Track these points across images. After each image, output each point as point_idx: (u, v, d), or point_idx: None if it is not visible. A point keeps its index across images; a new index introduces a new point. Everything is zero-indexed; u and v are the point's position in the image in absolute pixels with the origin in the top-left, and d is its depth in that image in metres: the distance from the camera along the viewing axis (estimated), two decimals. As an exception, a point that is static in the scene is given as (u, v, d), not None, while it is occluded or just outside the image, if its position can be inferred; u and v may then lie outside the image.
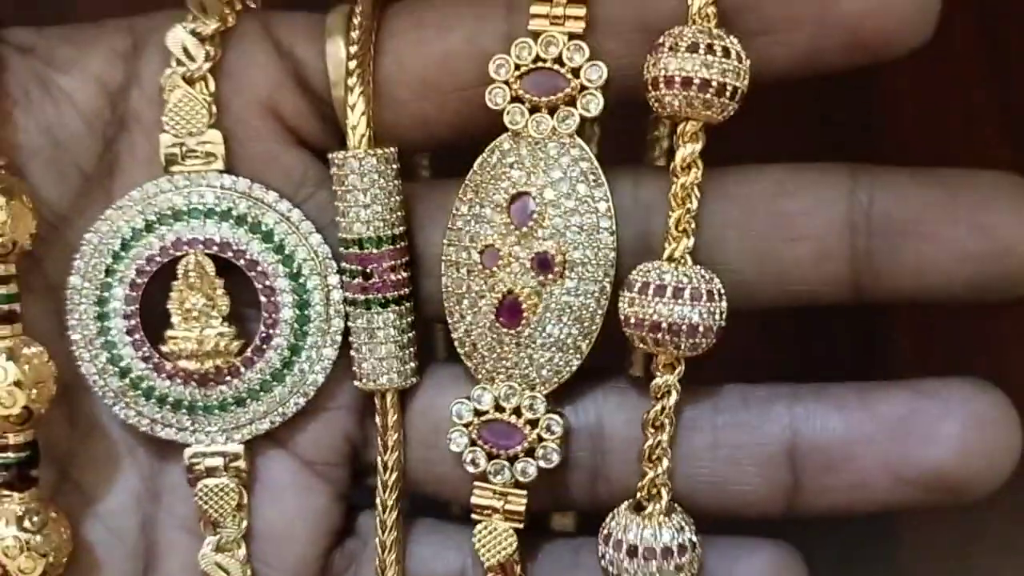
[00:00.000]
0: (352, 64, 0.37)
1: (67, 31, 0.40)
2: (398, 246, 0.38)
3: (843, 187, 0.36)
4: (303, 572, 0.40)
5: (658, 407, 0.36)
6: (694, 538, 0.36)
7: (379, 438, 0.39)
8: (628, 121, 0.38)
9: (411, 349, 0.39)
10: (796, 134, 0.43)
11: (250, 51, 0.39)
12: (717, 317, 0.34)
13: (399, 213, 0.38)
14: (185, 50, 0.38)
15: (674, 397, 0.36)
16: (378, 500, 0.39)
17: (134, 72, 0.39)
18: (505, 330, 0.37)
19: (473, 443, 0.37)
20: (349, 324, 0.39)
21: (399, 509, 0.39)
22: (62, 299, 0.39)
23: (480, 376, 0.37)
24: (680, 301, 0.34)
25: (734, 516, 0.37)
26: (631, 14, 0.36)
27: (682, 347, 0.34)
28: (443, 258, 0.37)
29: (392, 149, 0.38)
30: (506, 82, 0.36)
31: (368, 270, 0.38)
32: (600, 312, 0.36)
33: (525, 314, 0.36)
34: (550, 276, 0.36)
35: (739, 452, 0.37)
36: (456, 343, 0.38)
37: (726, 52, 0.34)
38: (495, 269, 0.36)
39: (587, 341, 0.36)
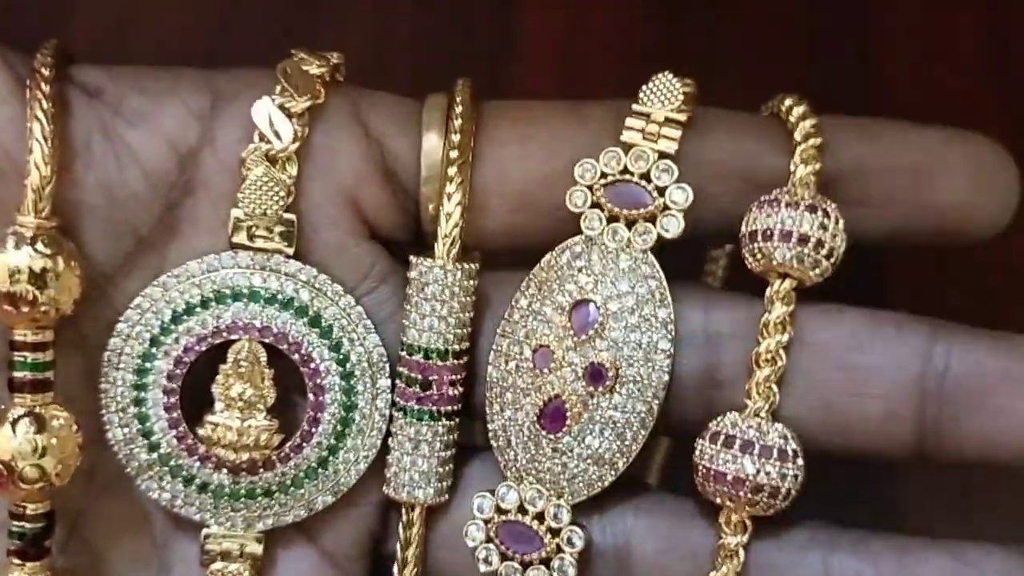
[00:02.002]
0: (452, 171, 0.36)
1: (141, 76, 0.37)
2: (461, 360, 0.37)
3: (919, 347, 0.35)
4: None
5: (724, 569, 0.35)
6: None
7: (399, 550, 0.38)
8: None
9: (450, 465, 0.38)
10: None
11: (337, 135, 0.37)
12: (797, 480, 0.34)
13: (468, 328, 0.37)
14: (271, 125, 0.36)
15: (740, 559, 0.35)
16: None
17: (209, 135, 0.37)
18: (544, 433, 0.36)
19: (489, 540, 0.36)
20: (393, 429, 0.37)
21: None
22: (94, 356, 0.37)
23: (509, 473, 0.37)
24: (765, 460, 0.34)
25: None
26: (740, 164, 0.36)
27: (758, 506, 0.34)
28: (494, 348, 0.37)
29: (476, 265, 0.37)
30: (589, 187, 0.36)
31: (428, 380, 0.36)
32: (643, 433, 0.36)
33: (568, 421, 0.36)
34: (600, 388, 0.35)
35: None
36: (491, 434, 0.37)
37: (827, 214, 0.34)
38: (546, 370, 0.36)
39: (624, 459, 0.36)
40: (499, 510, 0.36)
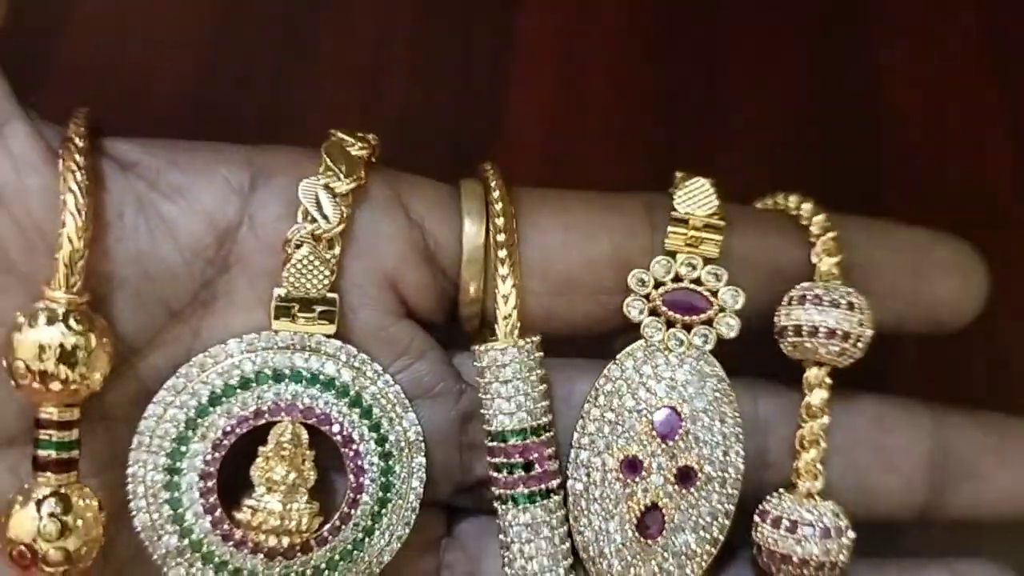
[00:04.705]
0: (503, 253, 0.37)
1: (177, 150, 0.36)
2: (552, 434, 0.37)
3: (927, 427, 0.41)
4: None
5: None
6: None
7: None
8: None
9: (568, 544, 0.38)
10: (798, 135, 0.45)
11: (380, 218, 0.37)
12: (849, 551, 0.38)
13: (548, 402, 0.38)
14: (318, 206, 0.36)
15: None
16: None
17: (248, 211, 0.36)
18: (640, 538, 0.38)
19: None
20: (502, 525, 0.37)
21: None
22: (116, 430, 0.36)
23: None
24: (825, 540, 0.37)
25: None
26: (766, 258, 0.39)
27: None
28: (571, 460, 0.38)
29: (537, 338, 0.38)
30: (646, 295, 0.38)
31: (530, 461, 0.37)
32: (727, 522, 0.38)
33: (665, 523, 0.38)
34: (692, 488, 0.38)
35: None
36: (579, 546, 0.38)
37: (861, 310, 0.38)
38: (637, 479, 0.38)
39: (714, 549, 0.38)
40: None
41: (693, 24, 0.53)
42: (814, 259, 0.39)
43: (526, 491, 0.37)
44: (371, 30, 0.53)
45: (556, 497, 0.37)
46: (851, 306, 0.37)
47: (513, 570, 0.37)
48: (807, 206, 0.40)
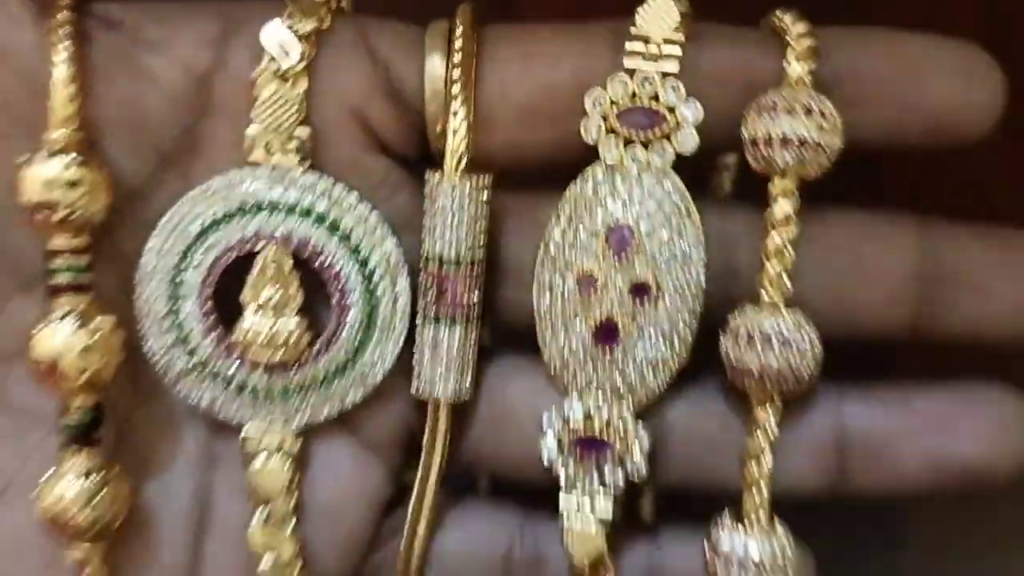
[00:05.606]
0: (456, 89, 0.39)
1: (155, 11, 0.40)
2: (476, 271, 0.39)
3: (913, 237, 0.39)
4: (352, 545, 0.42)
5: (758, 442, 0.39)
6: None
7: (424, 442, 0.41)
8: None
9: (470, 366, 0.40)
10: None
11: (344, 56, 0.40)
12: (816, 362, 0.37)
13: (482, 237, 0.39)
14: (281, 46, 0.39)
15: (772, 428, 0.39)
16: (414, 496, 0.42)
17: (222, 59, 0.39)
18: (600, 350, 0.39)
19: (562, 452, 0.40)
20: (416, 334, 0.40)
21: (435, 504, 0.42)
22: (130, 269, 0.40)
23: (571, 390, 0.40)
24: (786, 352, 0.37)
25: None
26: (738, 73, 0.38)
27: (784, 392, 0.38)
28: (536, 281, 0.40)
29: (488, 176, 0.39)
30: (603, 116, 0.38)
31: (443, 287, 0.39)
32: (689, 334, 0.39)
33: (621, 335, 0.39)
34: (646, 302, 0.39)
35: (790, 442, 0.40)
36: (545, 358, 0.40)
37: (823, 115, 0.36)
38: (593, 295, 0.39)
39: (678, 359, 0.39)
40: (567, 422, 0.40)
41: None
42: (785, 66, 0.37)
43: (432, 313, 0.40)
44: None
45: (464, 327, 0.40)
46: (808, 111, 0.36)
47: (414, 374, 0.41)
48: (790, 16, 0.38)
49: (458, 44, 0.39)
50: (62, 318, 0.38)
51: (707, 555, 0.39)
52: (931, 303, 0.39)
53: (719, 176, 0.44)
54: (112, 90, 0.39)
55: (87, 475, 0.39)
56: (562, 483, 0.40)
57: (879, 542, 0.57)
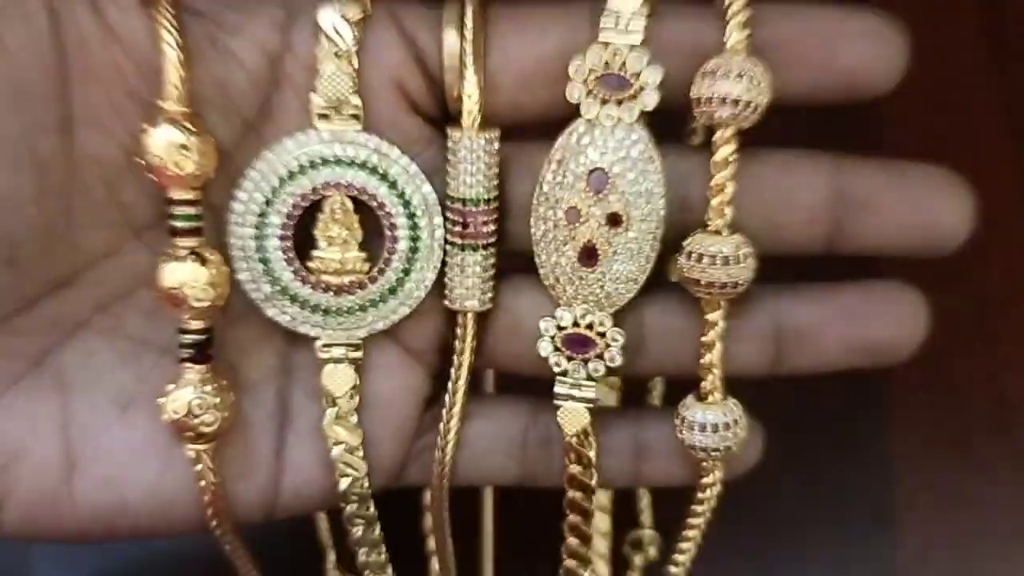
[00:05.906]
0: (468, 60, 0.47)
1: (228, 1, 0.45)
2: (491, 206, 0.48)
3: (828, 170, 0.47)
4: (402, 433, 0.50)
5: (710, 336, 0.48)
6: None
7: (456, 349, 0.49)
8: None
9: (491, 283, 0.48)
10: (798, 133, 0.49)
11: (384, 37, 0.46)
12: (751, 271, 0.47)
13: (495, 181, 0.48)
14: (336, 30, 0.45)
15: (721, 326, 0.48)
16: (449, 390, 0.51)
17: (288, 41, 0.45)
18: (584, 269, 0.48)
19: (557, 350, 0.50)
20: (446, 259, 0.48)
21: (466, 398, 0.51)
22: (221, 217, 0.47)
23: (561, 302, 0.49)
24: (727, 265, 0.46)
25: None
26: (688, 41, 0.47)
27: (725, 294, 0.47)
28: (533, 214, 0.48)
29: (497, 132, 0.48)
30: (583, 81, 0.47)
31: (466, 222, 0.47)
32: (653, 254, 0.48)
33: (599, 257, 0.48)
34: (619, 229, 0.48)
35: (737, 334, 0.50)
36: (542, 276, 0.49)
37: (753, 78, 0.44)
38: (576, 224, 0.48)
39: (643, 275, 0.48)
40: (559, 327, 0.49)
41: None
42: (725, 37, 0.46)
43: (460, 242, 0.49)
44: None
45: (485, 252, 0.49)
46: (740, 75, 0.44)
47: (447, 291, 0.49)
48: None
49: (468, 22, 0.47)
50: (185, 256, 0.45)
51: (677, 426, 0.50)
52: (842, 223, 0.48)
53: (693, 128, 0.52)
54: (206, 71, 0.44)
55: (204, 385, 0.46)
56: (556, 373, 0.50)
57: (879, 542, 0.61)
